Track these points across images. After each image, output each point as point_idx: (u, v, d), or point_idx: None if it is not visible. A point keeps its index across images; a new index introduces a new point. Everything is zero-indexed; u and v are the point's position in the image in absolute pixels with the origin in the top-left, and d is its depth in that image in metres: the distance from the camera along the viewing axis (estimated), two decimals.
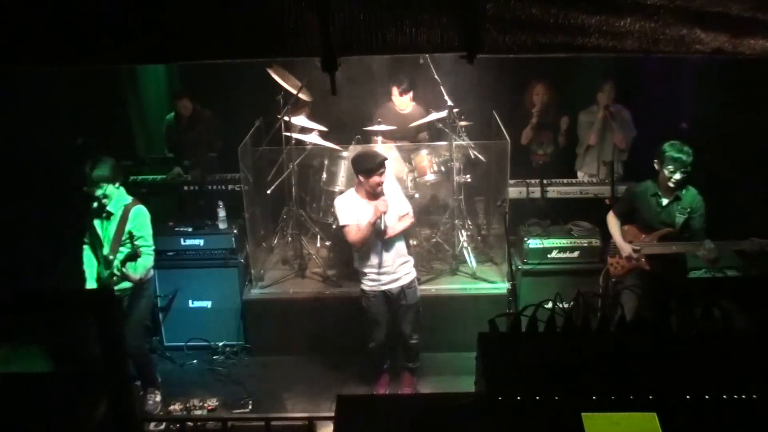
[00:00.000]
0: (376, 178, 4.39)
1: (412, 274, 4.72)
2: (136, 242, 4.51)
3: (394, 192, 4.64)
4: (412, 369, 5.02)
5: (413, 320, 4.78)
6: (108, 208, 4.47)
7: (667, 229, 4.52)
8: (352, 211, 4.48)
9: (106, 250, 4.47)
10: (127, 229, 4.48)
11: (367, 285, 4.65)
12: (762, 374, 2.09)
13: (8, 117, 5.20)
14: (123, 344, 4.53)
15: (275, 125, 5.69)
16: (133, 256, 4.49)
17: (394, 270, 4.60)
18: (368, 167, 4.41)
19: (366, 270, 4.61)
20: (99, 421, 2.22)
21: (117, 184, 4.47)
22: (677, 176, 4.35)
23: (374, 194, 4.46)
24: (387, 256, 4.56)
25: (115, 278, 4.43)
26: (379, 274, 4.58)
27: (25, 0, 1.81)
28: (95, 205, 4.49)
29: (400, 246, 4.63)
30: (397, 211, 4.58)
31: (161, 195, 5.92)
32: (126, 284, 4.51)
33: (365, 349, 4.91)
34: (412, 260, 4.74)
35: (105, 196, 4.40)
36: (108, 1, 1.80)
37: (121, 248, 4.51)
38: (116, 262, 4.42)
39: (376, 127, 5.81)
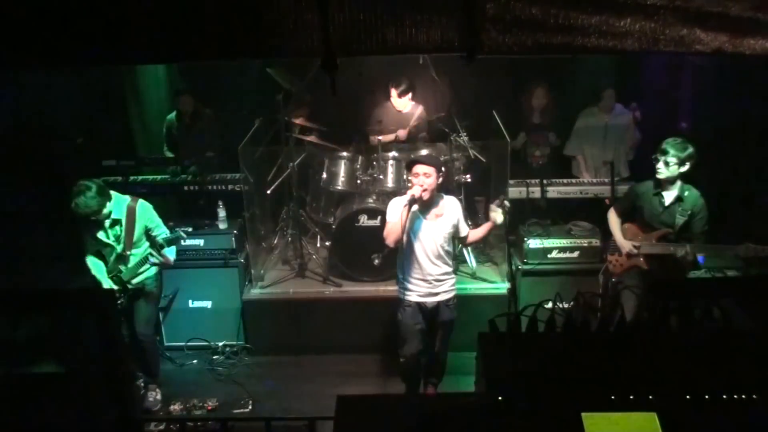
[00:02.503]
0: (412, 178, 4.25)
1: (452, 292, 4.48)
2: (153, 233, 4.63)
3: (452, 211, 4.38)
4: (435, 384, 4.85)
5: (444, 337, 4.60)
6: (114, 216, 4.53)
7: (666, 229, 4.53)
8: (397, 210, 4.28)
9: (120, 249, 4.55)
10: (139, 225, 4.57)
11: (402, 294, 4.46)
12: (762, 374, 2.09)
13: (9, 116, 5.20)
14: (133, 338, 4.60)
15: (275, 125, 5.69)
16: (160, 246, 4.60)
17: (432, 283, 4.38)
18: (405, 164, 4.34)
19: (403, 278, 4.44)
20: (99, 421, 2.22)
21: (111, 197, 4.49)
22: (660, 165, 4.37)
23: (420, 198, 4.21)
24: (427, 268, 4.34)
25: (134, 273, 4.58)
26: (416, 284, 4.39)
27: (24, 1, 1.81)
28: (102, 221, 4.52)
29: (443, 262, 4.38)
30: (445, 230, 4.34)
31: (161, 195, 5.91)
32: (142, 278, 4.64)
33: (397, 363, 4.73)
34: (455, 278, 4.52)
35: (110, 214, 4.47)
36: (107, 0, 1.80)
37: (138, 243, 4.60)
38: (142, 255, 4.57)
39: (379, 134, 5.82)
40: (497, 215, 4.29)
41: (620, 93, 6.08)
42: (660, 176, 4.43)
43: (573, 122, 6.17)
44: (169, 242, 4.64)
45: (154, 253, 4.55)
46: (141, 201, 4.64)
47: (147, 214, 4.63)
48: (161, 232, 4.67)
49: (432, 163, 4.25)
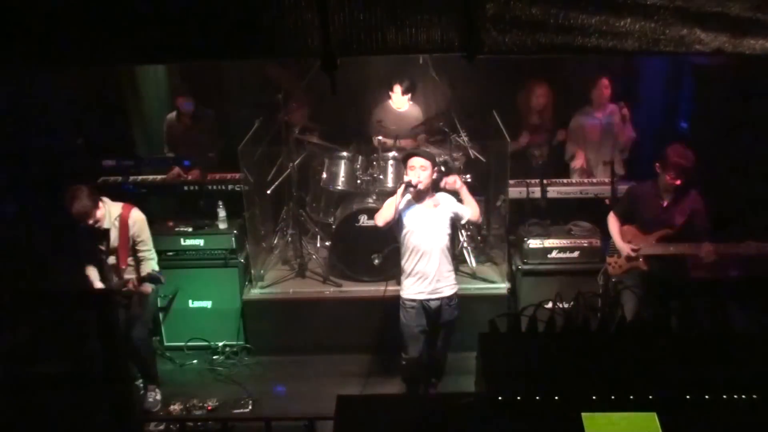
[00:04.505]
0: (408, 171, 4.33)
1: (454, 288, 4.50)
2: (137, 247, 4.57)
3: (448, 201, 4.46)
4: (435, 384, 4.87)
5: (446, 337, 4.62)
6: (104, 226, 4.46)
7: (666, 230, 4.53)
8: (394, 200, 4.37)
9: (112, 260, 4.53)
10: (130, 237, 4.53)
11: (406, 293, 4.47)
12: (762, 374, 2.09)
13: (9, 116, 5.20)
14: (128, 340, 4.57)
15: (275, 125, 5.69)
16: (142, 279, 4.48)
17: (435, 281, 4.40)
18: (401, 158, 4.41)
19: (406, 276, 4.46)
20: (99, 421, 2.22)
21: (101, 203, 4.44)
22: (678, 181, 4.37)
23: (416, 187, 4.29)
24: (429, 262, 4.36)
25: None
26: (418, 280, 4.40)
27: (24, 1, 1.81)
28: (97, 229, 4.47)
29: (444, 258, 4.41)
30: (445, 219, 4.40)
31: (161, 195, 5.91)
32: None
33: (399, 365, 4.74)
34: (454, 275, 4.55)
35: (97, 220, 4.40)
36: (107, 1, 1.80)
37: (131, 256, 4.58)
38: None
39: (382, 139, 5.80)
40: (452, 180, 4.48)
41: (617, 92, 6.07)
42: (673, 188, 4.42)
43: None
44: (149, 280, 4.48)
45: (134, 283, 4.43)
46: (135, 210, 4.58)
47: (138, 225, 4.55)
48: (143, 248, 4.55)
49: (428, 157, 4.35)
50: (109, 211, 4.48)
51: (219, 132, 6.33)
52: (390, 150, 5.81)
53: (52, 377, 2.67)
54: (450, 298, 4.47)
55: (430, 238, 4.36)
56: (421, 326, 4.47)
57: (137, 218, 4.56)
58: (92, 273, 4.59)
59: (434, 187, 4.54)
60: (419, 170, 4.29)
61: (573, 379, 2.11)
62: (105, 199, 4.51)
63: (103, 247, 4.51)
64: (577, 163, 6.09)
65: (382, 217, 4.36)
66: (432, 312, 4.46)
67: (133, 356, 4.77)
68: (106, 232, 4.46)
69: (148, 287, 4.54)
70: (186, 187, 5.92)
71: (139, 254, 4.60)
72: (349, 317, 5.45)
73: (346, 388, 4.98)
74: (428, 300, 4.42)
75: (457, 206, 4.50)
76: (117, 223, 4.49)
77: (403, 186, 4.27)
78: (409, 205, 4.37)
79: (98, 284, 4.55)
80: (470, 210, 4.49)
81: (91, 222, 4.35)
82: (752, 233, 4.38)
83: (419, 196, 4.36)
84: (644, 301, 4.59)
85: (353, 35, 1.77)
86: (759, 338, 2.30)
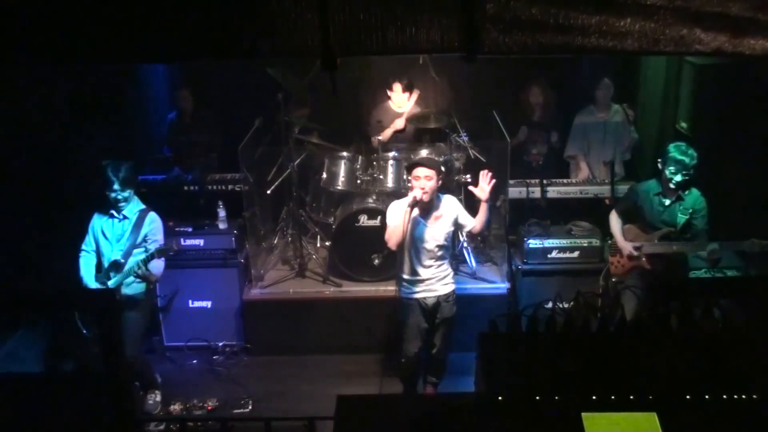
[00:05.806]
0: (413, 180, 4.30)
1: (451, 286, 4.51)
2: (149, 245, 4.56)
3: (451, 210, 4.43)
4: (435, 384, 4.86)
5: (445, 335, 4.61)
6: (124, 212, 4.54)
7: (668, 228, 4.53)
8: (397, 213, 4.33)
9: (117, 255, 4.50)
10: (142, 232, 4.55)
11: (402, 292, 4.49)
12: (762, 374, 2.09)
13: (8, 116, 5.20)
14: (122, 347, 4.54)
15: (275, 125, 5.69)
16: (149, 257, 4.48)
17: (430, 279, 4.42)
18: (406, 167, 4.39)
19: (402, 275, 4.47)
20: (99, 421, 2.22)
21: (134, 186, 4.59)
22: (677, 178, 4.36)
23: (421, 200, 4.24)
24: (426, 268, 4.38)
25: (123, 282, 4.46)
26: (416, 282, 4.42)
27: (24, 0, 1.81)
28: (112, 209, 4.53)
29: (441, 260, 4.43)
30: (445, 230, 4.38)
31: (161, 195, 5.91)
32: (130, 291, 4.54)
33: (397, 363, 4.76)
34: (452, 273, 4.56)
35: (126, 199, 4.50)
36: (107, 0, 1.80)
37: (135, 250, 4.56)
38: (133, 263, 4.44)
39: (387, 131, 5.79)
40: (480, 190, 4.38)
41: (618, 92, 6.08)
42: (672, 185, 4.41)
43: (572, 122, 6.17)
44: (159, 253, 4.48)
45: (140, 264, 4.40)
46: (154, 213, 4.66)
47: (155, 225, 4.62)
48: (154, 243, 4.57)
49: (433, 166, 4.31)
50: (133, 204, 4.59)
51: (219, 132, 6.33)
52: (390, 150, 5.81)
53: (52, 377, 2.67)
54: (447, 295, 4.49)
55: (429, 247, 4.36)
56: (418, 323, 4.49)
57: (154, 218, 4.64)
58: (86, 273, 4.57)
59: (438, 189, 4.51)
60: (424, 180, 4.24)
61: (573, 379, 2.10)
62: (134, 195, 4.62)
63: (110, 237, 4.55)
64: (582, 174, 6.09)
65: (394, 241, 4.30)
66: (429, 309, 4.48)
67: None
68: (125, 218, 4.54)
69: (155, 273, 4.54)
70: (186, 187, 5.93)
71: (144, 247, 4.59)
72: (349, 317, 5.46)
73: (346, 388, 4.99)
74: (425, 298, 4.45)
75: (462, 214, 4.48)
76: (135, 218, 4.56)
77: (409, 207, 4.19)
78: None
79: (91, 285, 4.52)
80: (475, 223, 4.47)
81: (121, 197, 4.45)
82: (755, 231, 4.39)
83: (424, 207, 4.32)
84: (645, 301, 4.59)
85: (353, 35, 1.77)
86: (759, 338, 2.30)
